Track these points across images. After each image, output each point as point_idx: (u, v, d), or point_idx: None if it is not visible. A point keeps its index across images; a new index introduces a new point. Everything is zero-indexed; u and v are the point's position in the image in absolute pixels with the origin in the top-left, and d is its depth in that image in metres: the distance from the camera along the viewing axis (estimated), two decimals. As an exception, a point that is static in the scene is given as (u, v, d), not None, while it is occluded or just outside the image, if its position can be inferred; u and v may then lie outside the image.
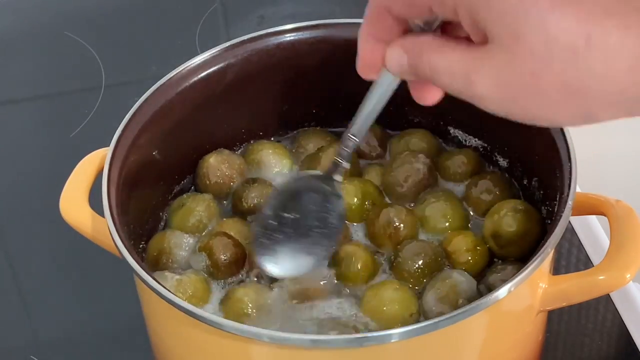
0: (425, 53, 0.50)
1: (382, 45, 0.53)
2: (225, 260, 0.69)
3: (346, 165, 0.63)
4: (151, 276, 0.60)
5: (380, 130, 0.80)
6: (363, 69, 0.56)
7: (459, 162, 0.76)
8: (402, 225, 0.71)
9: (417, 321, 0.66)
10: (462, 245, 0.70)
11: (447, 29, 0.52)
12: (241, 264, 0.70)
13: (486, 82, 0.47)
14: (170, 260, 0.71)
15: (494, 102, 0.48)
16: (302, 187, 0.65)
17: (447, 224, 0.72)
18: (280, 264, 0.65)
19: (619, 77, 0.45)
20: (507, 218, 0.69)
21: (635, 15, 0.44)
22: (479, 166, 0.77)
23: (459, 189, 0.76)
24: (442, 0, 0.48)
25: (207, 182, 0.76)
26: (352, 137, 0.60)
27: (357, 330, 0.66)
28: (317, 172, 0.68)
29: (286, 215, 0.65)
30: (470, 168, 0.76)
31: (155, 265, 0.71)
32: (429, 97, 0.56)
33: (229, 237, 0.70)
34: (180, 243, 0.72)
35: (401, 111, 0.80)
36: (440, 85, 0.50)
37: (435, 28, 0.52)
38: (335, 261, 0.69)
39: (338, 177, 0.63)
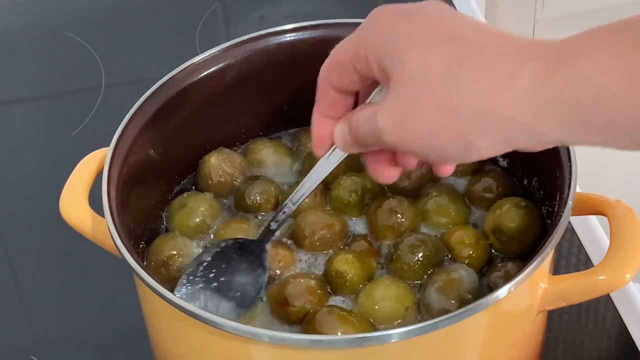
0: (354, 114, 0.56)
1: (330, 122, 0.59)
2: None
3: (277, 234, 0.68)
4: (151, 276, 0.60)
5: None
6: (315, 146, 0.61)
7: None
8: (404, 216, 0.71)
9: (415, 314, 0.66)
10: (464, 239, 0.70)
11: None
12: None
13: (384, 114, 0.53)
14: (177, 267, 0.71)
15: (391, 133, 0.52)
16: (233, 252, 0.68)
17: (449, 219, 0.72)
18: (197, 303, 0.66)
19: (486, 96, 0.49)
20: (509, 213, 0.69)
21: (508, 46, 0.49)
22: (480, 163, 0.77)
23: (460, 182, 0.76)
24: (357, 55, 0.54)
25: (210, 181, 0.76)
26: (291, 204, 0.66)
27: None
28: (251, 238, 0.69)
29: (211, 275, 0.67)
30: (471, 165, 0.76)
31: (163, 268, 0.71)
32: (386, 174, 0.60)
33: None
34: (189, 252, 0.72)
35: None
36: (362, 137, 0.55)
37: None
38: (327, 278, 0.69)
39: (268, 246, 0.67)
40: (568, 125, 0.48)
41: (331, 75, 0.57)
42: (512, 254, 0.69)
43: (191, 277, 0.66)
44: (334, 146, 0.60)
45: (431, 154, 0.52)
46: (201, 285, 0.66)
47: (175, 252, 0.71)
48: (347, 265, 0.68)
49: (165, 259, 0.70)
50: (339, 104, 0.58)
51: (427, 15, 0.53)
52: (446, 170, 0.61)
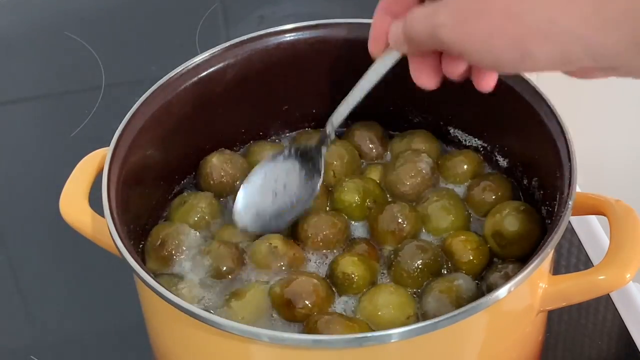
0: (414, 11, 0.56)
1: (391, 20, 0.58)
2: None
3: (333, 136, 0.70)
4: (151, 276, 0.60)
5: (381, 130, 0.80)
6: (371, 44, 0.60)
7: (460, 163, 0.76)
8: (405, 221, 0.71)
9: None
10: (465, 245, 0.70)
11: None
12: None
13: (446, 10, 0.52)
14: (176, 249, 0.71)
15: (450, 30, 0.52)
16: (290, 159, 0.72)
17: (449, 223, 0.72)
18: (249, 219, 0.71)
19: (553, 5, 0.49)
20: (509, 218, 0.69)
21: None
22: (480, 168, 0.77)
23: (459, 190, 0.76)
24: None
25: (211, 181, 0.76)
26: (346, 105, 0.66)
27: None
28: (309, 144, 0.72)
29: (268, 184, 0.72)
30: (471, 169, 0.76)
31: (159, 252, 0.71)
32: (427, 79, 0.60)
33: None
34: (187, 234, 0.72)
35: (401, 111, 0.80)
36: (417, 35, 0.55)
37: None
38: (333, 280, 0.69)
39: (324, 150, 0.71)
40: (631, 42, 0.48)
41: None
42: (511, 257, 0.69)
43: (251, 180, 0.71)
44: (389, 48, 0.60)
45: (486, 58, 0.52)
46: (259, 187, 0.71)
47: (172, 232, 0.71)
48: (353, 267, 0.68)
49: (162, 238, 0.71)
50: (406, 2, 0.58)
51: None
52: (488, 83, 0.60)
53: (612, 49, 0.49)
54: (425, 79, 0.60)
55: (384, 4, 0.59)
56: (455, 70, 0.59)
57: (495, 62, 0.52)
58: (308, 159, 0.71)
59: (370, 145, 0.79)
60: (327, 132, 0.69)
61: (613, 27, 0.48)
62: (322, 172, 0.70)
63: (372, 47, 0.61)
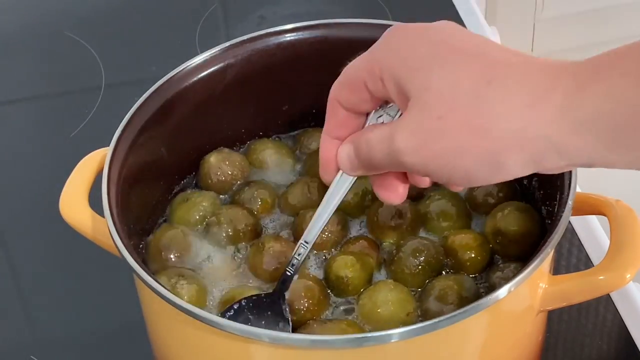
0: (363, 135, 0.54)
1: (338, 144, 0.57)
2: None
3: (295, 277, 0.64)
4: (151, 276, 0.60)
5: None
6: (322, 170, 0.58)
7: None
8: (405, 215, 0.71)
9: (415, 321, 0.66)
10: (467, 242, 0.69)
11: None
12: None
13: (403, 135, 0.51)
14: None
15: (411, 154, 0.51)
16: (249, 312, 0.64)
17: (450, 222, 0.72)
18: None
19: (518, 114, 0.48)
20: (510, 217, 0.69)
21: (534, 64, 0.49)
22: None
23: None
24: (372, 72, 0.52)
25: (209, 181, 0.76)
26: (305, 244, 0.63)
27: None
28: (265, 292, 0.66)
29: None
30: None
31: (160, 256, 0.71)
32: (392, 194, 0.58)
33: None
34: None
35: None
36: (374, 157, 0.53)
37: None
38: (328, 283, 0.69)
39: (287, 295, 0.64)
40: (603, 142, 0.47)
41: (342, 93, 0.56)
42: (512, 256, 0.69)
43: None
44: (341, 171, 0.58)
45: (455, 175, 0.51)
46: None
47: (176, 237, 0.71)
48: (347, 269, 0.68)
49: (165, 242, 0.71)
50: (348, 124, 0.56)
51: (446, 33, 0.52)
52: (459, 188, 0.59)
53: (584, 149, 0.48)
54: (392, 195, 0.58)
55: (327, 129, 0.57)
56: (423, 182, 0.58)
57: (465, 177, 0.51)
58: (265, 309, 0.64)
59: None
60: (288, 274, 0.64)
61: (584, 130, 0.47)
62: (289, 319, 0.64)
63: (323, 174, 0.58)
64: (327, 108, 0.57)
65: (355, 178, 0.58)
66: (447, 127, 0.49)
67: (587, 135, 0.47)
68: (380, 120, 0.56)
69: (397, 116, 0.55)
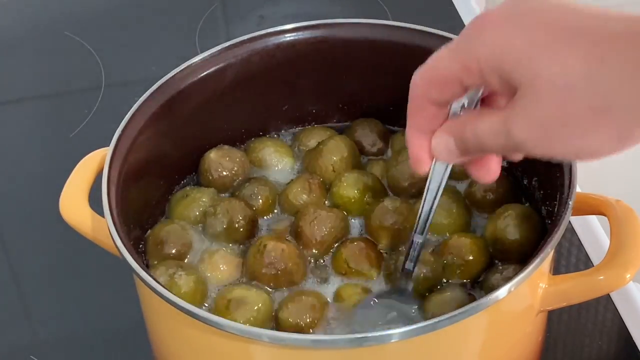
0: (468, 126, 0.54)
1: (428, 136, 0.57)
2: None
3: (413, 270, 0.66)
4: (151, 276, 0.60)
5: (381, 126, 0.80)
6: (415, 164, 0.58)
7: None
8: (399, 217, 0.71)
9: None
10: (465, 245, 0.69)
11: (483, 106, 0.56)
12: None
13: (522, 126, 0.50)
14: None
15: (534, 144, 0.50)
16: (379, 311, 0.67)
17: (450, 221, 0.72)
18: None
19: (636, 88, 0.47)
20: (510, 227, 0.69)
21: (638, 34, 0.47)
22: None
23: (460, 186, 0.76)
24: (468, 68, 0.51)
25: (210, 177, 0.76)
26: (418, 236, 0.64)
27: None
28: (389, 290, 0.68)
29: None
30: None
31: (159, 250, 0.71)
32: (487, 173, 0.58)
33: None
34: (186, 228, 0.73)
35: (401, 111, 0.80)
36: (487, 149, 0.53)
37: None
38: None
39: (409, 286, 0.67)
40: None
41: (431, 91, 0.55)
42: (511, 261, 0.69)
43: None
44: (434, 161, 0.58)
45: (582, 154, 0.50)
46: None
47: (174, 231, 0.72)
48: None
49: (163, 236, 0.71)
50: (438, 118, 0.56)
51: (535, 12, 0.50)
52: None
53: None
54: (487, 174, 0.58)
55: (414, 124, 0.57)
56: (517, 159, 0.58)
57: (592, 155, 0.50)
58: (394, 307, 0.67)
59: (371, 141, 0.79)
60: (408, 269, 0.66)
61: None
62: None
63: (417, 167, 0.58)
64: (409, 105, 0.56)
65: (450, 165, 0.59)
66: (567, 113, 0.48)
67: None
68: (462, 102, 0.55)
69: (479, 96, 0.55)
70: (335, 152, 0.76)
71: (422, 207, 0.62)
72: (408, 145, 0.58)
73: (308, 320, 0.65)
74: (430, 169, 0.59)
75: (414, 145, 0.57)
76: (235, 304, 0.66)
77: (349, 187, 0.74)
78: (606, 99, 0.47)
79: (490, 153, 0.56)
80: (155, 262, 0.71)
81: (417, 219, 0.63)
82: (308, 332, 0.65)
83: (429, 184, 0.61)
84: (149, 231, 0.73)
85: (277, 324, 0.66)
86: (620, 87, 0.47)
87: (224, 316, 0.65)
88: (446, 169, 0.60)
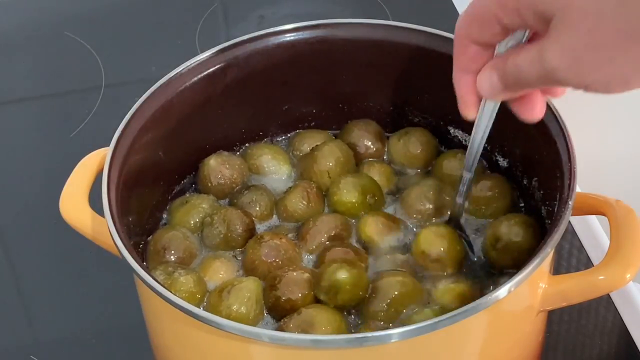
0: (509, 59, 0.55)
1: (473, 77, 0.59)
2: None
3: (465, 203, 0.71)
4: (151, 275, 0.60)
5: (378, 127, 0.80)
6: (463, 107, 0.61)
7: (459, 165, 0.76)
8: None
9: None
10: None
11: None
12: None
13: (555, 53, 0.52)
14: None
15: (566, 71, 0.52)
16: None
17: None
18: None
19: None
20: (506, 249, 0.69)
21: None
22: (480, 169, 0.77)
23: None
24: (504, 5, 0.53)
25: (209, 184, 0.76)
26: (467, 173, 0.68)
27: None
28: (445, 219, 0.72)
29: None
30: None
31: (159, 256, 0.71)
32: (532, 110, 0.60)
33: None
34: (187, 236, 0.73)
35: (401, 111, 0.80)
36: (525, 79, 0.55)
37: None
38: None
39: (463, 219, 0.71)
40: None
41: (471, 30, 0.57)
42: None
43: None
44: (484, 101, 0.61)
45: (613, 82, 0.51)
46: None
47: (175, 237, 0.72)
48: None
49: (165, 243, 0.71)
50: (481, 57, 0.58)
51: None
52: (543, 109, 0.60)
53: None
54: (532, 112, 0.60)
55: (459, 65, 0.59)
56: (560, 95, 0.60)
57: (624, 84, 0.52)
58: None
59: (368, 143, 0.79)
60: (459, 203, 0.70)
61: None
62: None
63: (464, 108, 0.61)
64: (454, 46, 0.59)
65: (498, 103, 0.61)
66: (598, 39, 0.50)
67: None
68: (510, 45, 0.57)
69: (525, 38, 0.57)
70: (329, 158, 0.76)
71: (471, 145, 0.65)
72: (455, 87, 0.60)
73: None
74: (477, 113, 0.61)
75: (461, 85, 0.60)
76: (227, 291, 0.66)
77: (349, 193, 0.74)
78: (633, 25, 0.48)
79: (530, 86, 0.56)
80: (155, 267, 0.71)
81: (466, 157, 0.66)
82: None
83: (478, 122, 0.63)
84: (149, 237, 0.73)
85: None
86: None
87: (219, 304, 0.66)
88: (493, 109, 0.62)
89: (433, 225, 0.71)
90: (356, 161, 0.78)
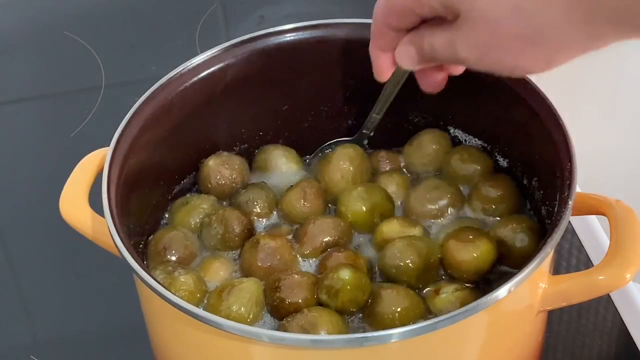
0: (425, 38, 0.62)
1: (389, 54, 0.66)
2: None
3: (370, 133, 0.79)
4: (151, 275, 0.60)
5: (385, 153, 0.80)
6: (378, 75, 0.69)
7: (468, 161, 0.76)
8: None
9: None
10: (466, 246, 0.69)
11: None
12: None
13: (464, 47, 0.59)
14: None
15: (474, 62, 0.59)
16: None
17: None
18: None
19: (556, 23, 0.54)
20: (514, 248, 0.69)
21: None
22: (489, 167, 0.77)
23: (465, 191, 0.76)
24: (419, 2, 0.60)
25: (209, 185, 0.77)
26: (375, 115, 0.75)
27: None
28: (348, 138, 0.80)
29: None
30: (480, 171, 0.76)
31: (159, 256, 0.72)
32: (433, 83, 0.69)
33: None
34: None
35: (401, 111, 0.80)
36: (439, 58, 0.62)
37: None
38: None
39: (365, 142, 0.79)
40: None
41: (390, 19, 0.63)
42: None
43: None
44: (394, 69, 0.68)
45: (515, 72, 0.59)
46: None
47: (175, 238, 0.72)
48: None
49: (165, 242, 0.71)
50: (397, 39, 0.65)
51: None
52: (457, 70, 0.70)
53: (611, 36, 0.54)
54: (433, 83, 0.69)
55: (377, 45, 0.66)
56: (459, 72, 0.69)
57: (524, 71, 0.59)
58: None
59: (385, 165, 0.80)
60: (364, 131, 0.78)
61: (613, 20, 0.53)
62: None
63: (380, 76, 0.69)
64: (373, 30, 0.65)
65: (407, 73, 0.69)
66: (498, 40, 0.56)
67: (604, 25, 0.53)
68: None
69: None
70: (346, 158, 0.76)
71: (381, 96, 0.73)
72: (373, 61, 0.68)
73: None
74: (389, 76, 0.69)
75: (380, 61, 0.67)
76: (228, 292, 0.66)
77: (356, 203, 0.73)
78: (530, 29, 0.55)
79: (442, 62, 0.65)
80: (155, 267, 0.71)
81: (376, 104, 0.74)
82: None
83: (388, 83, 0.71)
84: (150, 237, 0.73)
85: None
86: (542, 19, 0.54)
87: (219, 304, 0.66)
88: (403, 77, 0.70)
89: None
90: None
